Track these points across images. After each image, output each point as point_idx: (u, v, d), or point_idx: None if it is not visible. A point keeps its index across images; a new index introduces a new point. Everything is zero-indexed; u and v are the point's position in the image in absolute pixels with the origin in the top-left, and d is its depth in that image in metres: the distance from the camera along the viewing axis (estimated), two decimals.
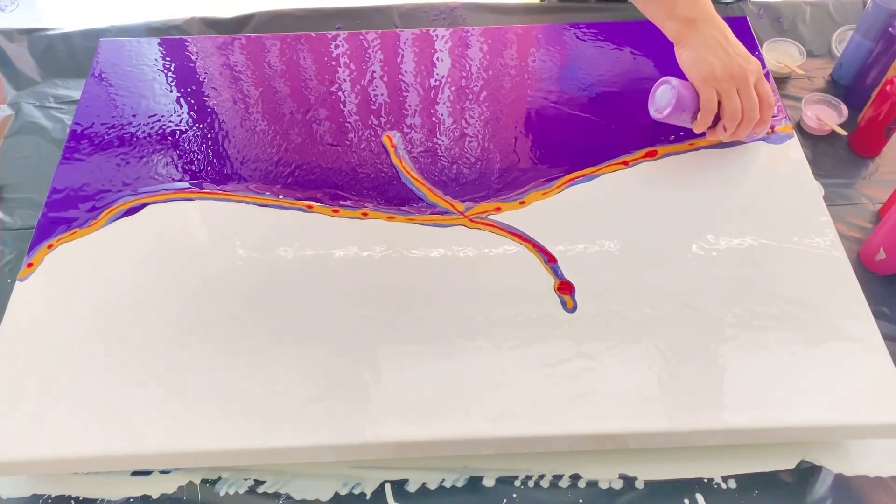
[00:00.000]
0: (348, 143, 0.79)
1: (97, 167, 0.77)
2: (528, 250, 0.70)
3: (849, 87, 0.92)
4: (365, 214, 0.73)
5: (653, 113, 0.73)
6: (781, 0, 1.03)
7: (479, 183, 0.75)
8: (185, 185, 0.75)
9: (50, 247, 0.70)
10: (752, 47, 0.87)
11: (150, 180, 0.75)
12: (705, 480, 0.63)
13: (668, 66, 0.86)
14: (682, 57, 0.70)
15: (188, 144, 0.79)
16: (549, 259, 0.69)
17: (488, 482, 0.63)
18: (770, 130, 0.77)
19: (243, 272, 0.68)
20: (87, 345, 0.63)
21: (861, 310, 0.65)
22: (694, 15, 0.69)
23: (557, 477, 0.64)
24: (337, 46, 0.89)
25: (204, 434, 0.59)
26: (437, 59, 0.88)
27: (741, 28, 0.90)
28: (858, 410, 0.59)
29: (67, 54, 0.97)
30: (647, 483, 0.63)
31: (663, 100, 0.72)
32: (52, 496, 0.63)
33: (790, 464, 0.64)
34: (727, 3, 1.03)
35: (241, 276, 0.68)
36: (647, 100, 0.79)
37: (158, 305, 0.66)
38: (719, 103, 0.70)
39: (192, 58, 0.88)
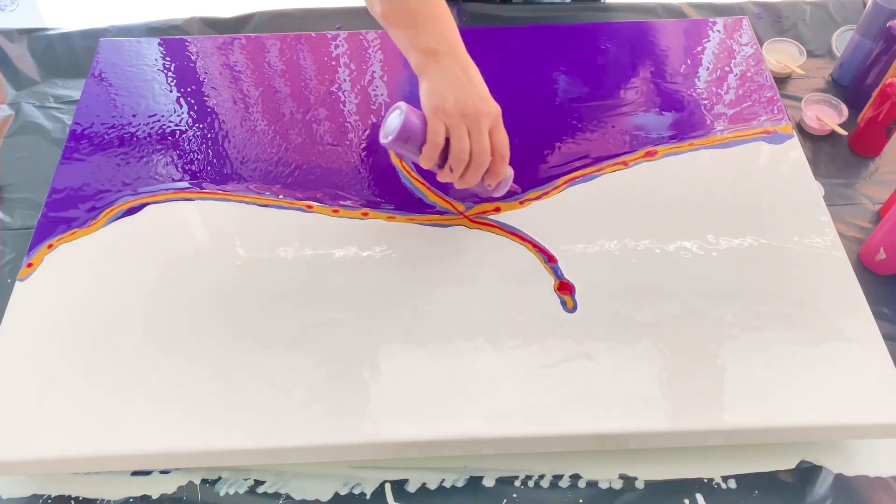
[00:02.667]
0: (348, 143, 0.79)
1: (97, 167, 0.77)
2: (528, 250, 0.69)
3: (849, 87, 0.92)
4: (365, 214, 0.73)
5: (381, 139, 0.65)
6: (781, 0, 1.03)
7: (480, 182, 0.75)
8: (185, 185, 0.75)
9: (50, 247, 0.70)
10: (753, 47, 0.87)
11: (150, 180, 0.75)
12: (705, 480, 0.63)
13: (668, 66, 0.86)
14: (421, 89, 0.64)
15: (188, 144, 0.79)
16: (549, 259, 0.69)
17: (488, 482, 0.63)
18: (517, 189, 0.72)
19: (243, 272, 0.68)
20: (87, 344, 0.63)
21: (861, 310, 0.65)
22: (436, 46, 0.63)
23: (557, 477, 0.64)
24: (337, 46, 0.89)
25: (204, 434, 0.59)
26: None
27: (741, 28, 0.90)
28: (858, 410, 0.59)
29: (67, 54, 0.97)
30: (647, 483, 0.63)
31: (391, 125, 0.64)
32: (52, 496, 0.63)
33: (790, 464, 0.64)
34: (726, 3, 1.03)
35: (241, 276, 0.68)
36: (646, 100, 0.79)
37: (158, 305, 0.66)
38: (448, 141, 0.63)
39: (192, 58, 0.88)
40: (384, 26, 0.67)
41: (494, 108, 0.63)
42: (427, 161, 0.63)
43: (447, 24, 0.65)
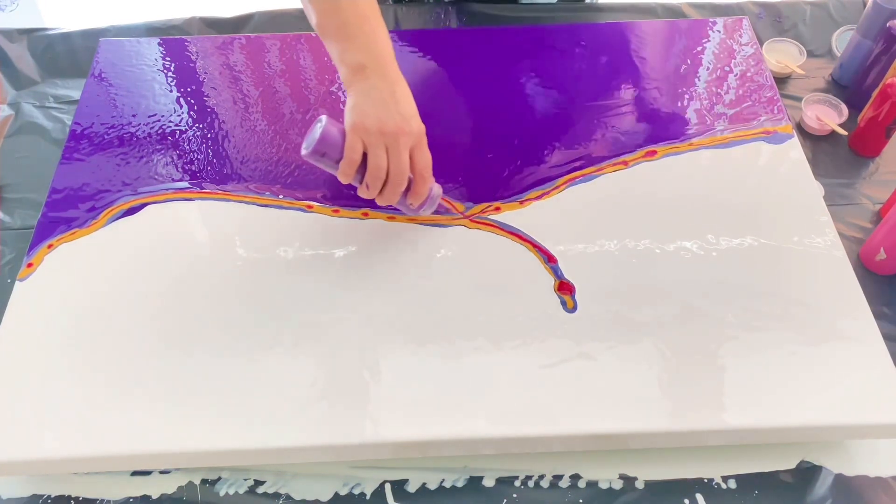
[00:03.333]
0: None
1: (97, 167, 0.77)
2: (528, 250, 0.69)
3: (849, 87, 0.92)
4: (365, 214, 0.73)
5: (302, 150, 0.64)
6: (781, 0, 1.03)
7: (479, 183, 0.75)
8: (185, 185, 0.75)
9: (50, 247, 0.70)
10: (753, 47, 0.87)
11: (150, 180, 0.75)
12: (705, 480, 0.63)
13: (668, 66, 0.86)
14: (346, 104, 0.64)
15: (188, 144, 0.79)
16: (549, 259, 0.69)
17: (488, 482, 0.63)
18: (449, 208, 0.72)
19: (243, 272, 0.68)
20: (86, 344, 0.63)
21: (861, 310, 0.65)
22: (364, 62, 0.62)
23: (557, 477, 0.64)
24: None
25: (204, 434, 0.59)
26: (437, 59, 0.88)
27: (741, 28, 0.90)
28: (858, 410, 0.59)
29: (67, 54, 0.97)
30: (647, 483, 0.63)
31: (310, 138, 0.63)
32: (52, 496, 0.63)
33: (790, 464, 0.64)
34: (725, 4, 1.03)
35: (241, 276, 0.68)
36: (646, 100, 0.79)
37: (158, 305, 0.66)
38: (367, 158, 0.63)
39: (192, 58, 0.88)
40: (321, 38, 0.66)
41: (416, 128, 0.63)
42: (343, 176, 0.63)
43: (379, 40, 0.64)
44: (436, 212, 0.71)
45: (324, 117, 0.63)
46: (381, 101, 0.62)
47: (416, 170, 0.64)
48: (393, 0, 1.02)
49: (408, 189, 0.65)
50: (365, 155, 0.62)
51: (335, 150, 0.63)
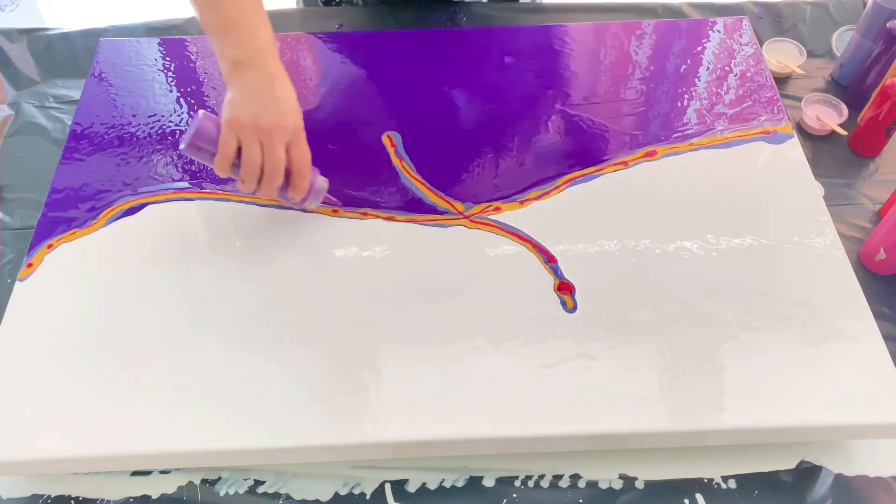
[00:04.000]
0: (348, 143, 0.79)
1: (97, 167, 0.77)
2: (528, 250, 0.69)
3: (849, 87, 0.92)
4: (365, 214, 0.73)
5: (180, 145, 0.65)
6: (781, 0, 1.03)
7: (479, 183, 0.75)
8: (185, 185, 0.75)
9: (50, 247, 0.70)
10: (753, 47, 0.87)
11: (150, 180, 0.75)
12: (705, 480, 0.63)
13: (668, 66, 0.86)
14: (224, 99, 0.64)
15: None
16: (549, 259, 0.69)
17: (488, 482, 0.63)
18: (336, 202, 0.72)
19: (243, 272, 0.68)
20: (86, 344, 0.63)
21: (861, 310, 0.65)
22: (242, 57, 0.62)
23: (557, 477, 0.64)
24: (336, 46, 0.89)
25: (204, 434, 0.59)
26: (437, 59, 0.88)
27: (741, 28, 0.90)
28: (858, 410, 0.59)
29: (67, 54, 0.97)
30: (647, 483, 0.63)
31: (188, 131, 0.64)
32: (52, 496, 0.63)
33: (790, 464, 0.64)
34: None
35: (241, 276, 0.68)
36: (647, 100, 0.79)
37: (158, 305, 0.66)
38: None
39: (192, 58, 0.88)
40: (205, 34, 0.66)
41: (293, 123, 0.63)
42: (219, 171, 0.64)
43: (259, 35, 0.64)
44: (323, 203, 0.71)
45: (201, 112, 0.64)
46: (257, 96, 0.62)
47: (292, 164, 0.64)
48: (393, 0, 1.02)
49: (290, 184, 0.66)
50: (241, 150, 0.63)
51: (211, 144, 0.64)
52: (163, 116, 0.81)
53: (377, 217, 0.72)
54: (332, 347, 0.63)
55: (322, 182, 0.69)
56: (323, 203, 0.72)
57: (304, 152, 0.65)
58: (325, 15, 1.01)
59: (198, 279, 0.68)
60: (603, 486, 0.63)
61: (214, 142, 0.63)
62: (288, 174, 0.65)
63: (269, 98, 0.62)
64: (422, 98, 0.83)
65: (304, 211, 0.72)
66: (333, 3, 1.02)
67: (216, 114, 0.65)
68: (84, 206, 0.73)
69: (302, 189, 0.66)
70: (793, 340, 0.63)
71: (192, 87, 0.85)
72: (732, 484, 0.63)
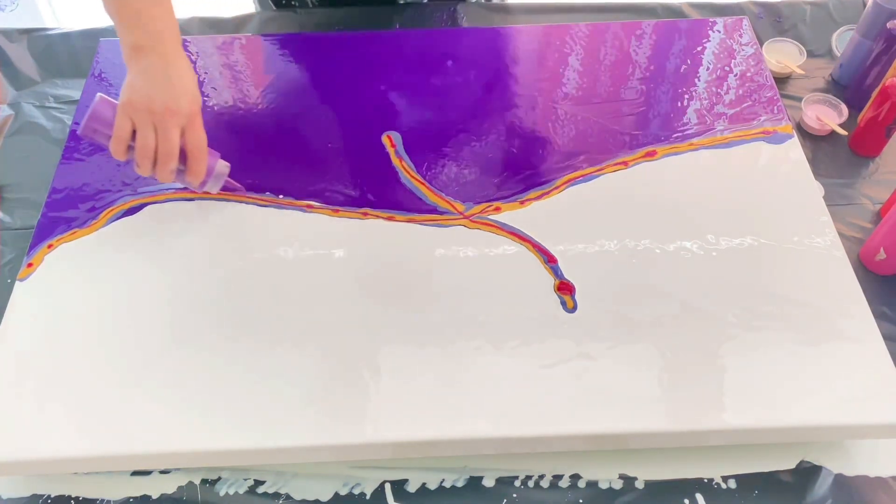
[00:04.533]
0: (348, 143, 0.79)
1: (97, 167, 0.77)
2: (528, 250, 0.69)
3: (849, 87, 0.92)
4: (365, 214, 0.73)
5: (78, 129, 0.66)
6: (781, 0, 1.03)
7: (479, 183, 0.75)
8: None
9: (50, 247, 0.70)
10: (753, 47, 0.87)
11: (150, 180, 0.75)
12: (705, 480, 0.63)
13: (668, 66, 0.86)
14: (123, 83, 0.65)
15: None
16: (549, 259, 0.69)
17: (488, 482, 0.63)
18: (237, 187, 0.73)
19: (243, 272, 0.68)
20: (86, 344, 0.63)
21: (861, 310, 0.65)
22: (141, 42, 0.63)
23: (557, 477, 0.64)
24: (337, 46, 0.89)
25: (204, 434, 0.59)
26: (437, 59, 0.88)
27: (741, 28, 0.90)
28: (858, 410, 0.59)
29: (67, 54, 0.97)
30: (647, 483, 0.63)
31: (85, 114, 0.65)
32: (52, 496, 0.63)
33: (790, 464, 0.64)
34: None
35: (241, 277, 0.68)
36: (647, 100, 0.79)
37: (158, 305, 0.66)
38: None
39: (192, 58, 0.88)
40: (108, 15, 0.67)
41: (186, 108, 0.64)
42: (115, 153, 0.65)
43: (158, 20, 0.64)
44: (224, 188, 0.72)
45: (98, 95, 0.65)
46: (152, 80, 0.63)
47: (187, 149, 0.65)
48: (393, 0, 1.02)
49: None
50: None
51: (107, 127, 0.65)
52: None
53: (377, 217, 0.72)
54: (332, 347, 0.63)
55: (222, 167, 0.70)
56: (225, 188, 0.72)
57: (198, 136, 0.65)
58: (325, 15, 1.01)
59: (197, 279, 0.68)
60: (603, 486, 0.63)
61: (110, 125, 0.64)
62: (186, 158, 0.66)
63: (163, 82, 0.63)
64: (422, 98, 0.83)
65: (208, 195, 0.72)
66: (283, 4, 1.03)
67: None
68: (84, 206, 0.73)
69: (198, 173, 0.67)
70: (793, 340, 0.63)
71: None
72: (732, 484, 0.63)
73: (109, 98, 0.66)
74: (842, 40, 0.97)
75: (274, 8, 1.03)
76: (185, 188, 0.74)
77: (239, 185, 0.73)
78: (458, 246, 0.70)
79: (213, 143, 0.80)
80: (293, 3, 1.02)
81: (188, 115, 0.64)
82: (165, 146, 0.63)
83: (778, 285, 0.67)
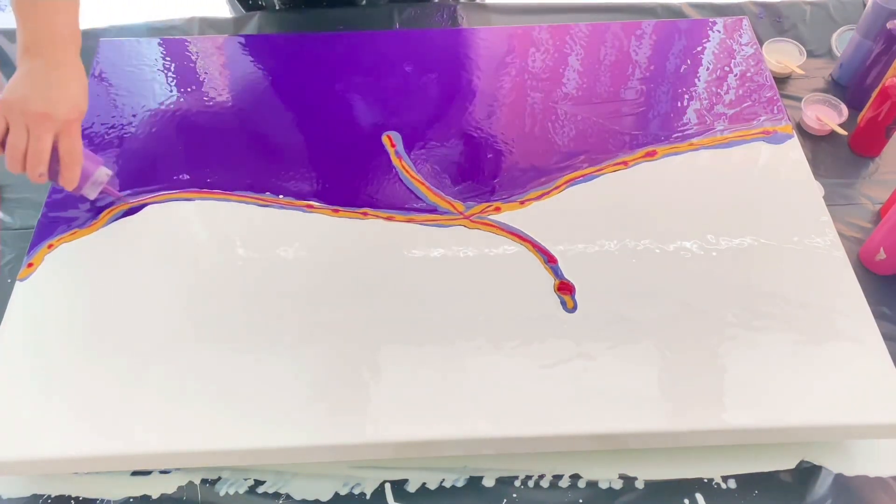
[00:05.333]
0: (348, 142, 0.79)
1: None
2: (528, 250, 0.69)
3: (849, 87, 0.92)
4: (365, 214, 0.73)
5: None
6: (781, 0, 1.03)
7: (479, 183, 0.75)
8: (185, 185, 0.75)
9: (50, 247, 0.70)
10: (753, 47, 0.87)
11: (150, 180, 0.75)
12: (705, 480, 0.63)
13: (668, 66, 0.86)
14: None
15: (188, 144, 0.79)
16: (549, 259, 0.69)
17: (488, 482, 0.63)
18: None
19: (243, 272, 0.68)
20: (86, 344, 0.63)
21: (861, 310, 0.65)
22: (29, 43, 0.63)
23: (557, 477, 0.64)
24: (337, 46, 0.89)
25: (204, 434, 0.59)
26: (437, 59, 0.88)
27: (741, 28, 0.90)
28: (858, 410, 0.59)
29: None
30: (647, 483, 0.63)
31: None
32: (52, 496, 0.63)
33: (790, 464, 0.64)
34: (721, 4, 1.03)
35: (241, 276, 0.68)
36: (647, 100, 0.79)
37: (158, 305, 0.66)
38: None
39: (192, 58, 0.88)
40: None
41: (63, 114, 0.63)
42: None
43: (54, 22, 0.64)
44: (103, 194, 0.71)
45: None
46: (33, 84, 0.63)
47: (61, 155, 0.65)
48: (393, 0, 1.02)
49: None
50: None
51: None
52: (163, 116, 0.81)
53: (377, 217, 0.72)
54: (331, 347, 0.63)
55: (102, 175, 0.69)
56: (102, 194, 0.72)
57: (73, 144, 0.65)
58: (325, 15, 1.01)
59: (198, 279, 0.68)
60: (603, 486, 0.63)
61: None
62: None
63: (43, 87, 0.63)
64: (421, 98, 0.83)
65: (85, 198, 0.72)
66: (250, 5, 1.03)
67: None
68: (84, 206, 0.73)
69: (70, 179, 0.66)
70: (793, 340, 0.63)
71: (191, 87, 0.85)
72: (732, 484, 0.63)
73: None
74: (842, 40, 0.97)
75: (243, 11, 1.03)
76: (190, 187, 0.74)
77: (119, 194, 0.73)
78: (458, 246, 0.70)
79: (212, 142, 0.80)
80: (261, 3, 1.02)
81: (64, 122, 0.64)
82: (33, 148, 0.63)
83: (778, 285, 0.67)
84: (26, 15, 0.63)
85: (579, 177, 0.75)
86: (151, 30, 0.99)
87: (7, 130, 0.63)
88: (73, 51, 0.65)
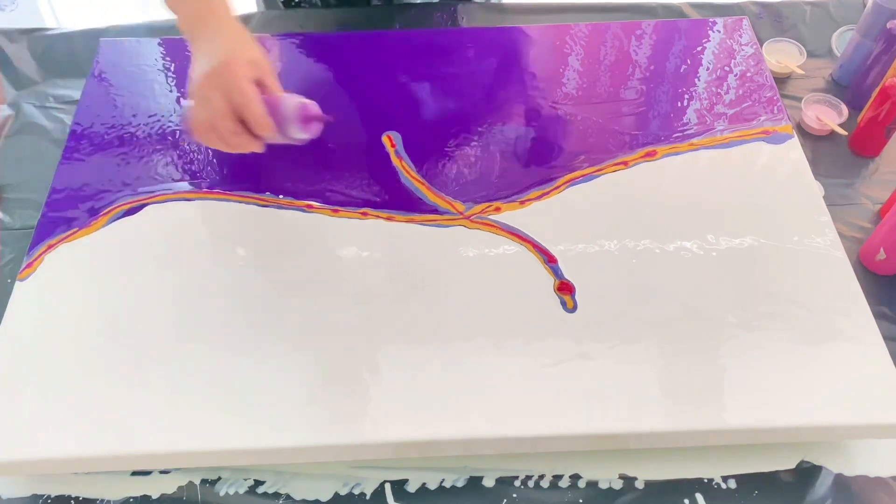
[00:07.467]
0: (348, 143, 0.79)
1: (97, 167, 0.77)
2: (528, 250, 0.69)
3: (849, 87, 0.92)
4: (365, 214, 0.73)
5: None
6: (781, 0, 1.03)
7: (479, 183, 0.75)
8: (185, 185, 0.75)
9: (50, 247, 0.70)
10: (753, 47, 0.87)
11: (150, 180, 0.75)
12: (705, 480, 0.63)
13: (668, 66, 0.86)
14: None
15: (188, 144, 0.79)
16: (549, 259, 0.69)
17: (488, 482, 0.63)
18: (326, 118, 0.67)
19: (243, 272, 0.68)
20: (86, 345, 0.63)
21: (861, 310, 0.65)
22: (192, 27, 0.65)
23: (557, 477, 0.64)
24: (337, 46, 0.89)
25: (204, 434, 0.59)
26: (437, 59, 0.88)
27: (741, 28, 0.90)
28: (858, 410, 0.59)
29: (67, 54, 0.97)
30: (647, 483, 0.63)
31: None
32: (52, 496, 0.63)
33: (790, 464, 0.64)
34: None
35: (241, 276, 0.68)
36: (647, 100, 0.79)
37: (158, 305, 0.66)
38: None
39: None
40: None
41: (242, 58, 0.62)
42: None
43: (208, 3, 0.65)
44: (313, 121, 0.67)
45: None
46: (208, 52, 0.63)
47: (267, 93, 0.64)
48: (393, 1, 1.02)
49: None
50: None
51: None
52: (163, 116, 0.81)
53: (377, 217, 0.72)
54: (332, 347, 0.63)
55: (292, 102, 0.65)
56: (315, 123, 0.67)
57: (267, 79, 0.64)
58: (325, 16, 1.01)
59: (198, 279, 0.68)
60: (603, 486, 0.63)
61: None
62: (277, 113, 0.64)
63: (215, 49, 0.62)
64: (422, 98, 0.83)
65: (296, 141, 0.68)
66: (293, 4, 1.02)
67: None
68: (84, 206, 0.73)
69: (290, 113, 0.64)
70: (793, 340, 0.63)
71: None
72: (732, 484, 0.63)
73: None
74: (842, 40, 0.97)
75: (282, 7, 1.02)
76: (190, 187, 0.74)
77: (329, 117, 0.68)
78: (458, 246, 0.70)
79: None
80: (302, 4, 1.01)
81: (249, 64, 0.62)
82: (241, 102, 0.61)
83: (778, 285, 0.67)
84: (183, 4, 0.66)
85: (579, 177, 0.75)
86: (151, 30, 0.99)
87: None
88: (233, 18, 0.66)
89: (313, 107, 0.66)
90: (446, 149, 0.78)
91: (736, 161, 0.77)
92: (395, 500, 0.63)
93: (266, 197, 0.74)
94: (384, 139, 0.79)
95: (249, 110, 0.61)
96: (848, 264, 0.68)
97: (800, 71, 0.91)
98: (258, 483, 0.63)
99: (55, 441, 0.58)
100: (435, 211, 0.73)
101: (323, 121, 0.67)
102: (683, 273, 0.68)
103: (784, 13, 1.01)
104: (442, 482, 0.63)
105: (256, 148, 0.65)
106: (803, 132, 0.88)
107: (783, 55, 0.94)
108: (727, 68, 0.86)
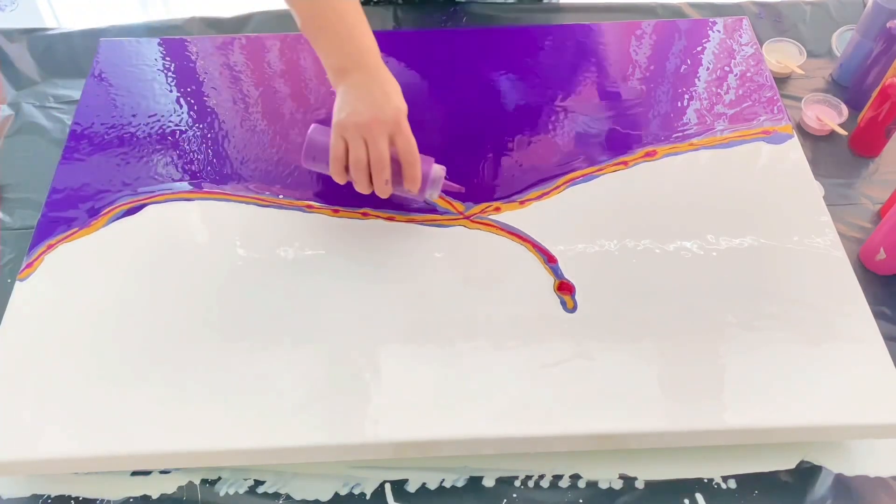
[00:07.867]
0: None
1: (97, 167, 0.77)
2: (528, 250, 0.70)
3: (849, 87, 0.92)
4: (365, 214, 0.73)
5: (302, 161, 0.69)
6: (781, 0, 1.03)
7: (479, 183, 0.75)
8: (185, 185, 0.75)
9: (50, 247, 0.70)
10: (753, 47, 0.87)
11: (150, 180, 0.75)
12: (705, 480, 0.63)
13: (668, 66, 0.86)
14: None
15: (188, 144, 0.79)
16: (549, 259, 0.69)
17: (488, 482, 0.63)
18: (458, 189, 0.71)
19: (243, 272, 0.68)
20: (86, 344, 0.63)
21: (861, 310, 0.65)
22: (343, 64, 0.66)
23: (557, 477, 0.64)
24: None
25: (204, 434, 0.59)
26: (437, 59, 0.88)
27: (741, 28, 0.90)
28: (858, 410, 0.59)
29: (67, 54, 0.97)
30: (647, 483, 0.63)
31: (304, 146, 0.68)
32: (52, 496, 0.63)
33: (790, 464, 0.64)
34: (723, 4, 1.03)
35: (241, 276, 0.68)
36: (647, 100, 0.79)
37: (158, 305, 0.66)
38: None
39: (192, 58, 0.88)
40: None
41: (391, 116, 0.64)
42: (335, 175, 0.66)
43: (357, 38, 0.66)
44: (444, 192, 0.71)
45: (312, 125, 0.68)
46: (357, 96, 0.64)
47: (399, 155, 0.65)
48: (393, 0, 1.02)
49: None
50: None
51: (323, 153, 0.66)
52: (163, 116, 0.81)
53: (377, 217, 0.72)
54: (332, 347, 0.63)
55: (438, 171, 0.69)
56: (445, 192, 0.71)
57: (407, 141, 0.65)
58: None
59: (198, 279, 0.68)
60: (603, 486, 0.63)
61: (322, 150, 0.67)
62: (400, 166, 0.66)
63: (367, 95, 0.64)
64: (422, 98, 0.83)
65: (428, 204, 0.73)
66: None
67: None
68: (84, 206, 0.73)
69: (413, 178, 0.66)
70: (793, 340, 0.63)
71: (192, 87, 0.85)
72: (732, 484, 0.63)
73: (321, 126, 0.68)
74: (842, 40, 0.97)
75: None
76: (190, 187, 0.74)
77: (460, 186, 0.72)
78: (457, 246, 0.70)
79: (212, 142, 0.80)
80: None
81: (394, 123, 0.64)
82: (375, 155, 0.64)
83: (778, 285, 0.67)
84: (330, 39, 0.67)
85: (579, 177, 0.75)
86: (151, 30, 0.99)
87: (347, 151, 0.64)
88: (379, 59, 0.67)
89: (443, 170, 0.70)
90: (447, 149, 0.78)
91: (736, 161, 0.77)
92: (395, 500, 0.63)
93: (266, 197, 0.74)
94: None
95: (414, 167, 0.65)
96: (848, 264, 0.68)
97: (800, 71, 0.91)
98: (258, 483, 0.63)
99: (55, 441, 0.58)
100: (435, 211, 0.73)
101: (454, 190, 0.72)
102: (683, 273, 0.68)
103: (784, 13, 1.01)
104: (442, 482, 0.63)
105: (384, 195, 0.67)
106: (803, 132, 0.88)
107: (783, 55, 0.94)
108: (727, 68, 0.86)
